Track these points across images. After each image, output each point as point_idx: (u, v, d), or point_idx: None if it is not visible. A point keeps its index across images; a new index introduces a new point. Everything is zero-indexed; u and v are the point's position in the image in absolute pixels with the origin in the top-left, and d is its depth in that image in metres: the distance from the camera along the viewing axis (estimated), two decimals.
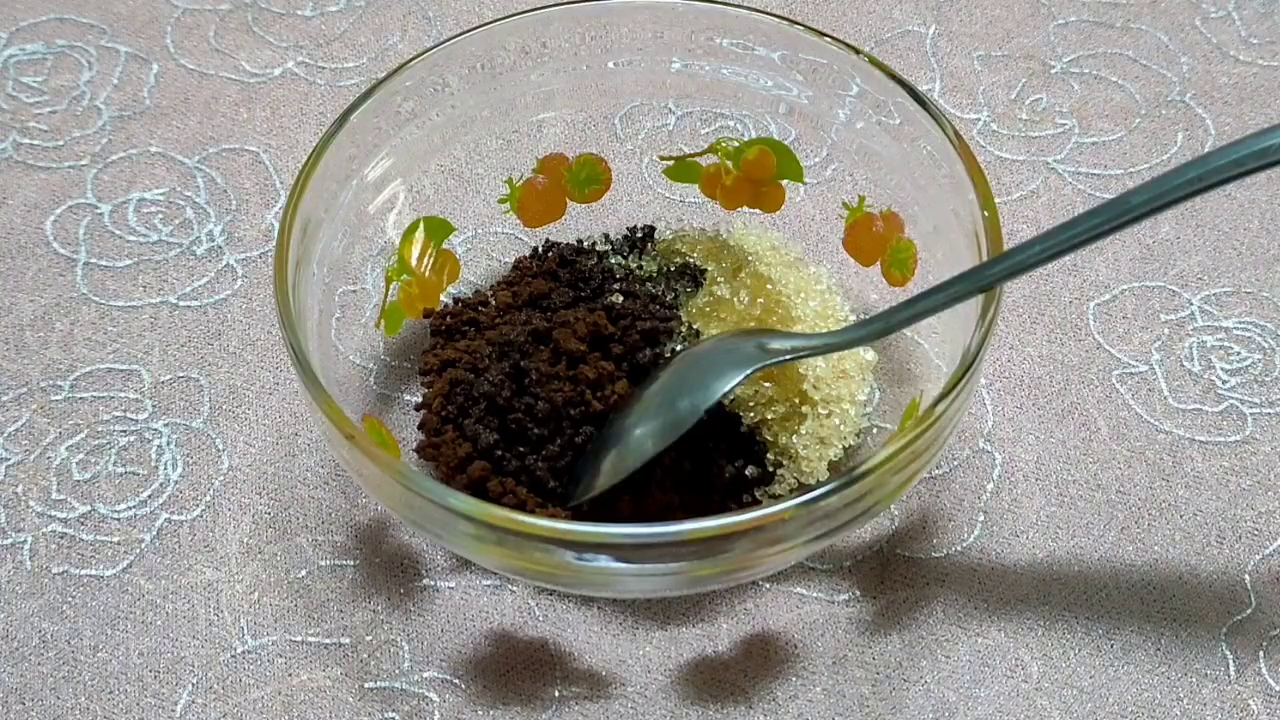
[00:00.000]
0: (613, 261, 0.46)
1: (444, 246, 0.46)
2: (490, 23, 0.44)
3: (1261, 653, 0.40)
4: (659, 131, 0.50)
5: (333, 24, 0.57)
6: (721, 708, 0.39)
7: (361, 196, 0.43)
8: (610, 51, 0.45)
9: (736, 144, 0.46)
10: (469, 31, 0.44)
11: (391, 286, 0.44)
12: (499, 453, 0.41)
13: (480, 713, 0.39)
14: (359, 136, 0.42)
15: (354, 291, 0.44)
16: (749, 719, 0.39)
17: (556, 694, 0.39)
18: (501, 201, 0.46)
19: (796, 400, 0.42)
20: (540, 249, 0.47)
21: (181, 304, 0.48)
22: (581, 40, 0.45)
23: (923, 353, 0.44)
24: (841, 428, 0.41)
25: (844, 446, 0.42)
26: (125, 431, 0.45)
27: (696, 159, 0.46)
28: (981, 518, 0.43)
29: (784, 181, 0.45)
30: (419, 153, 0.45)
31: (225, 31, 0.56)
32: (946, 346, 0.40)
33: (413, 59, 0.42)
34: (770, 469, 0.42)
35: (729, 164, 0.46)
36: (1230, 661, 0.40)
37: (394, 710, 0.39)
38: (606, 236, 0.48)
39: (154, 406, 0.45)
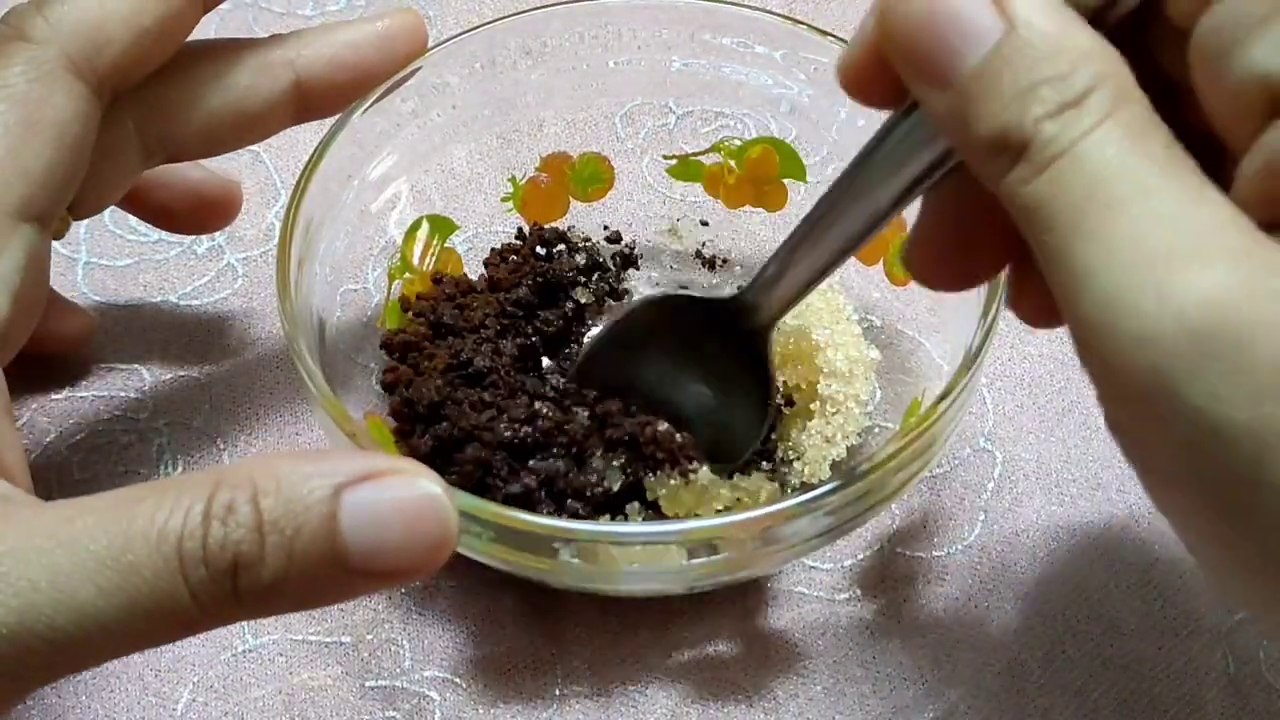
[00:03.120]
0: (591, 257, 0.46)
1: (447, 245, 0.46)
2: (490, 22, 0.44)
3: (1261, 652, 0.40)
4: (660, 130, 0.50)
5: None
6: (722, 707, 0.39)
7: (363, 195, 0.43)
8: (610, 50, 0.46)
9: (739, 143, 0.46)
10: (469, 31, 0.44)
11: (394, 285, 0.44)
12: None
13: (481, 711, 0.39)
14: (360, 136, 0.42)
15: (356, 290, 0.44)
16: (749, 718, 0.39)
17: (557, 692, 0.39)
18: (505, 200, 0.47)
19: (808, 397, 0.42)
20: (528, 231, 0.47)
21: (182, 303, 0.48)
22: (581, 40, 0.45)
23: (924, 352, 0.44)
24: (846, 426, 0.41)
25: (847, 446, 0.42)
26: (125, 431, 0.45)
27: (699, 158, 0.47)
28: (982, 517, 0.43)
29: (787, 180, 0.45)
30: (421, 152, 0.45)
31: (225, 31, 0.56)
32: (948, 346, 0.40)
33: (394, 80, 0.42)
34: (782, 466, 0.42)
35: (732, 163, 0.46)
36: (1230, 661, 0.40)
37: (395, 709, 0.39)
38: (605, 226, 0.48)
39: (154, 406, 0.45)
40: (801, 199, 0.47)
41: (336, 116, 0.41)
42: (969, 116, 0.25)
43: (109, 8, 0.36)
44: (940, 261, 0.31)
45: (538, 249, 0.46)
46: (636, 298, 0.43)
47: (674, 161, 0.47)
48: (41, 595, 0.26)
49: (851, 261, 0.45)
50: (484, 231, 0.48)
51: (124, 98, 0.38)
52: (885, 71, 0.27)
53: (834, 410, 0.41)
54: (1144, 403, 0.23)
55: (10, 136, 0.34)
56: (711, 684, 0.40)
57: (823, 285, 0.44)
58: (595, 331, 0.42)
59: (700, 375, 0.41)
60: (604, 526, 0.36)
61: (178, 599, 0.26)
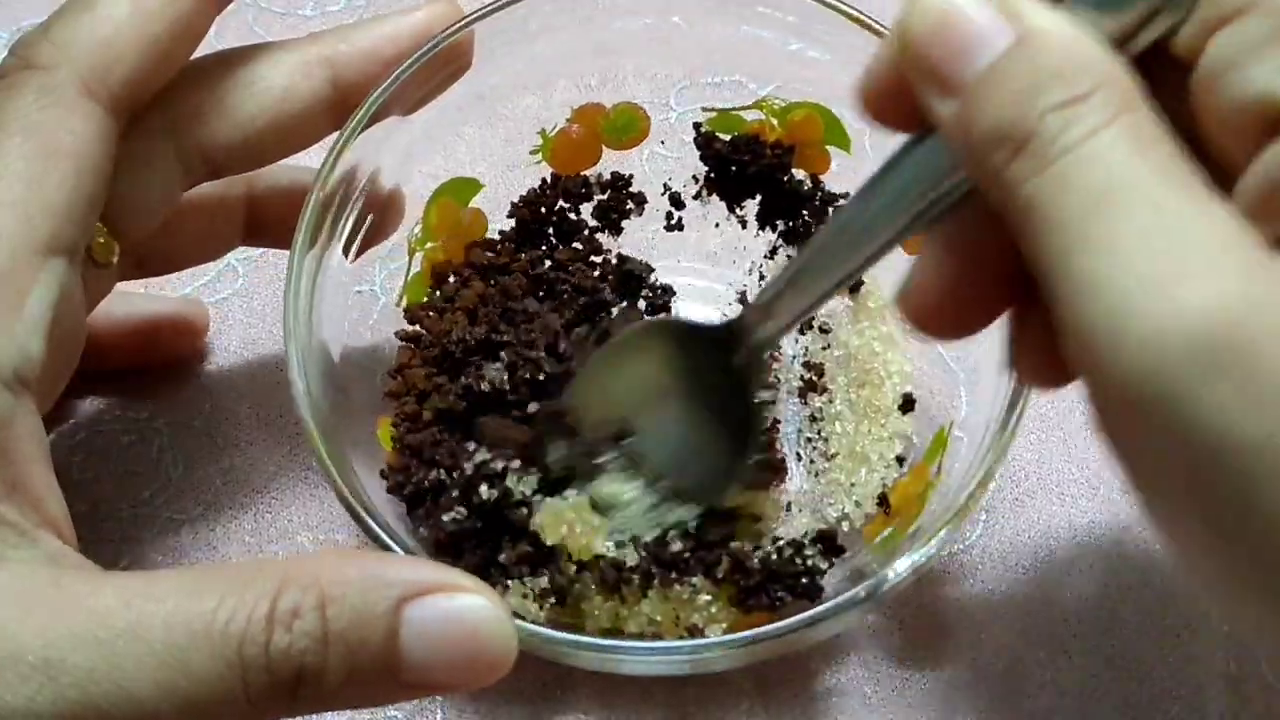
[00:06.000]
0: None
1: (472, 204, 0.45)
2: (511, 2, 0.42)
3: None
4: (702, 89, 0.47)
5: (333, 23, 0.56)
6: (723, 707, 0.39)
7: (375, 189, 0.42)
8: (610, 30, 0.44)
9: (783, 104, 0.44)
10: (501, 7, 0.42)
11: (414, 257, 0.43)
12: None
13: (483, 711, 0.39)
14: (370, 134, 0.40)
15: (361, 293, 0.43)
16: (749, 718, 0.39)
17: (559, 693, 0.39)
18: (533, 152, 0.45)
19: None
20: (547, 180, 0.46)
21: None
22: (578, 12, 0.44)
23: (935, 353, 0.43)
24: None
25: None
26: (125, 431, 0.45)
27: (740, 113, 0.45)
28: (983, 517, 0.43)
29: (830, 147, 0.44)
30: (436, 133, 0.43)
31: (225, 31, 0.56)
32: (960, 351, 0.40)
33: (428, 48, 0.41)
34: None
35: (774, 121, 0.44)
36: (1230, 661, 0.40)
37: (397, 708, 0.39)
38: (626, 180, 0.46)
39: (154, 406, 0.45)
40: (840, 169, 0.45)
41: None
42: (973, 114, 0.25)
43: (117, 21, 0.35)
44: (936, 307, 0.30)
45: (561, 202, 0.45)
46: (633, 325, 0.41)
47: (714, 113, 0.45)
48: (98, 687, 0.26)
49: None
50: (510, 183, 0.46)
51: (153, 110, 0.36)
52: (901, 93, 0.27)
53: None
54: (1144, 412, 0.23)
55: (30, 169, 0.32)
56: (712, 685, 0.40)
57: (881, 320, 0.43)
58: (593, 354, 0.40)
59: (687, 409, 0.39)
60: (623, 645, 0.36)
61: (233, 697, 0.26)
